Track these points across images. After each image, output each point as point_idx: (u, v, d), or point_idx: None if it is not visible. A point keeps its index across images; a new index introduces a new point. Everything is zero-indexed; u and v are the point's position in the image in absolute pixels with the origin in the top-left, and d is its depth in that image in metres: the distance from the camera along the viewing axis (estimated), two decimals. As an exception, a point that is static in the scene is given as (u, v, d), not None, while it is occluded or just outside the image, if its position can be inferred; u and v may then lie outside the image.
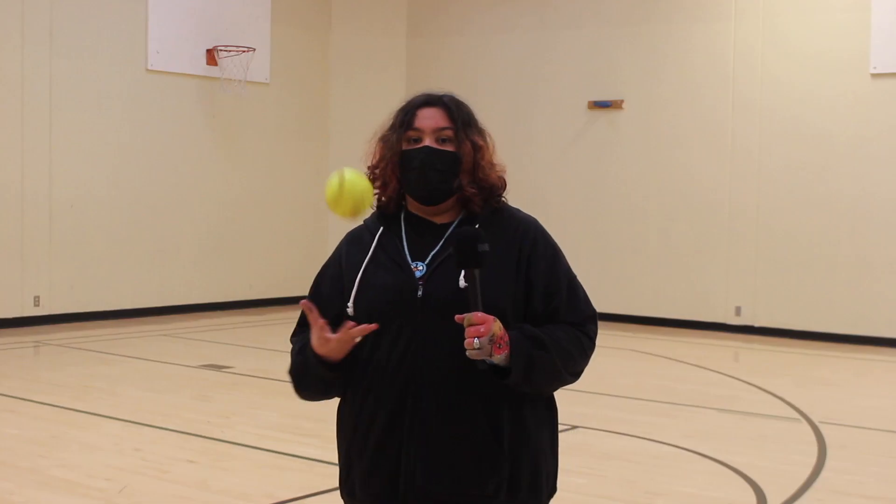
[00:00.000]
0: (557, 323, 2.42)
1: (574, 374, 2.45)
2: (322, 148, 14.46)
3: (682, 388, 8.67)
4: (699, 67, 12.44)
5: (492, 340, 2.25)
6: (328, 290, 2.51)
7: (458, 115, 2.47)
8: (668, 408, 7.87)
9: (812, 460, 6.34)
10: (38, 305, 11.51)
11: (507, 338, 2.29)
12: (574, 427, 6.84)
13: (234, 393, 8.20)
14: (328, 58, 14.51)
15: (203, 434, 6.73)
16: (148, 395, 8.01)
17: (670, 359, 10.18)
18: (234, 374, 9.02)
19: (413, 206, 2.49)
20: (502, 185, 2.50)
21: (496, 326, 2.26)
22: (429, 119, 2.46)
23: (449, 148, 2.44)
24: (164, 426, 6.95)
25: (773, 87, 11.96)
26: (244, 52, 12.93)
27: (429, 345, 2.36)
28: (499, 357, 2.28)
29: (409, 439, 2.35)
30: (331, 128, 14.54)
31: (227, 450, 6.39)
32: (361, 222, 2.57)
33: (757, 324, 12.04)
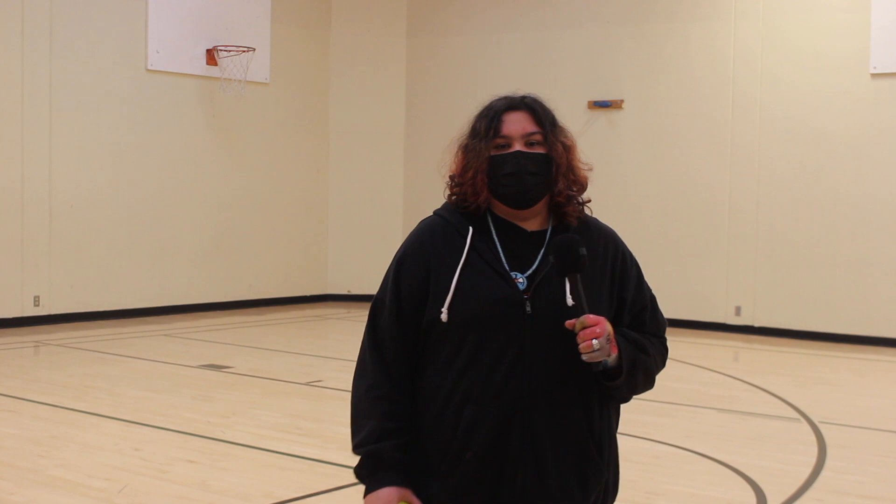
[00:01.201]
0: (642, 334, 2.48)
1: (653, 383, 2.50)
2: (322, 147, 14.46)
3: (682, 388, 8.67)
4: (699, 67, 12.44)
5: (609, 340, 2.26)
6: (411, 289, 2.39)
7: (545, 117, 2.42)
8: (668, 408, 7.87)
9: (812, 460, 6.34)
10: (38, 305, 11.51)
11: (615, 338, 2.32)
12: (574, 427, 6.83)
13: (234, 393, 8.20)
14: (328, 57, 14.51)
15: (203, 434, 6.73)
16: (148, 395, 8.01)
17: (670, 359, 10.13)
18: (234, 374, 9.01)
19: (500, 209, 2.42)
20: (587, 183, 2.48)
21: (609, 326, 2.28)
22: (516, 124, 2.39)
23: (540, 150, 2.39)
24: (164, 426, 6.95)
25: (773, 86, 11.96)
26: (244, 52, 12.93)
27: (538, 363, 2.31)
28: (613, 357, 2.30)
29: (519, 456, 2.31)
30: (331, 127, 14.54)
31: (227, 450, 6.39)
32: (432, 213, 2.48)
33: (757, 324, 12.04)
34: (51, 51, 11.54)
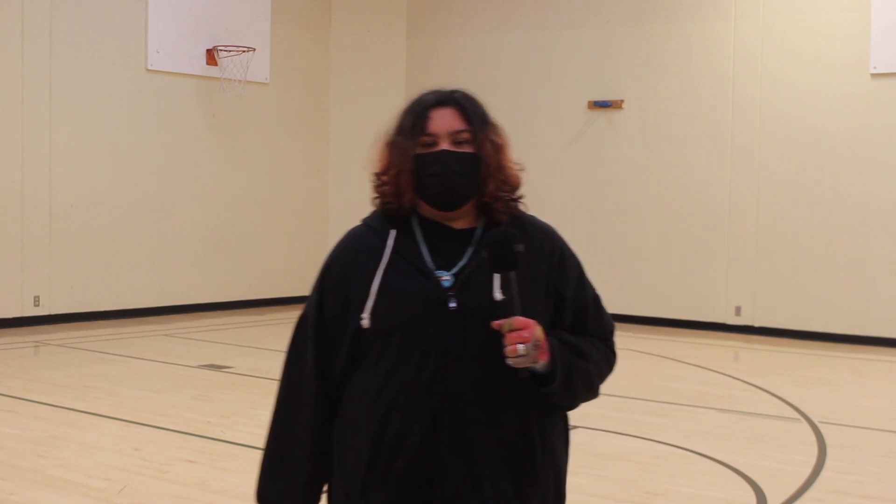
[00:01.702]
0: (584, 336, 2.35)
1: (596, 391, 2.37)
2: (322, 148, 14.46)
3: (682, 388, 8.67)
4: (699, 67, 12.44)
5: (536, 346, 2.14)
6: (335, 303, 2.32)
7: (475, 113, 2.31)
8: (668, 408, 7.87)
9: (812, 460, 6.34)
10: (38, 305, 11.51)
11: (546, 343, 2.18)
12: (574, 427, 6.79)
13: (234, 393, 8.20)
14: (328, 58, 14.51)
15: (203, 434, 6.73)
16: (148, 395, 8.01)
17: (670, 359, 10.18)
18: (234, 374, 9.01)
19: (427, 210, 2.31)
20: (520, 183, 2.37)
21: (539, 331, 2.15)
22: (443, 121, 2.29)
23: (468, 150, 2.28)
24: (164, 426, 6.95)
25: (773, 86, 11.96)
26: (244, 52, 12.94)
27: (465, 362, 2.20)
28: (542, 363, 2.17)
29: (449, 461, 2.19)
30: (331, 128, 14.54)
31: (227, 450, 6.39)
32: (360, 222, 2.40)
33: (757, 324, 12.04)
34: (51, 51, 11.54)
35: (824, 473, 6.05)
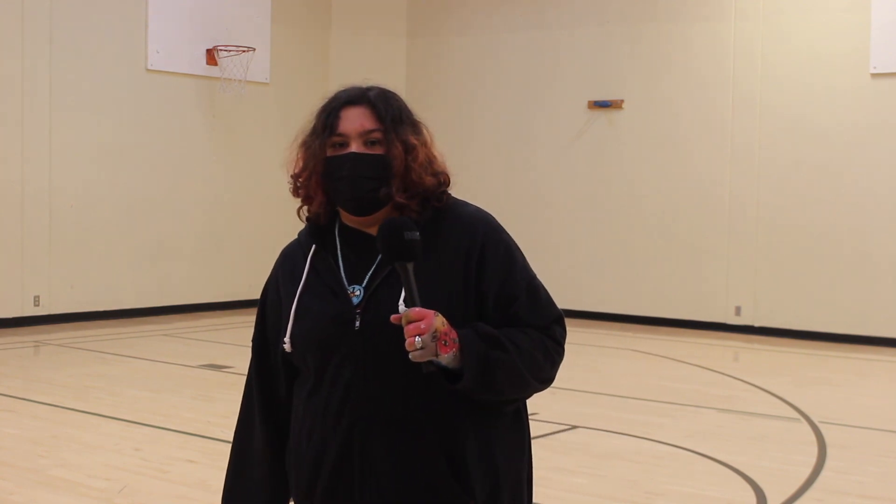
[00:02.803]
0: (517, 328, 2.18)
1: (543, 381, 2.19)
2: (322, 148, 14.45)
3: (682, 388, 8.67)
4: (699, 67, 12.44)
5: (435, 337, 2.00)
6: (270, 325, 2.32)
7: (387, 112, 2.19)
8: (668, 408, 7.87)
9: (812, 460, 6.34)
10: (38, 305, 11.51)
11: (453, 334, 2.04)
12: (574, 427, 6.83)
13: (234, 393, 8.17)
14: (328, 58, 14.51)
15: (203, 434, 6.73)
16: (148, 395, 8.01)
17: (670, 359, 10.18)
18: (234, 374, 9.01)
19: (347, 217, 2.23)
20: (442, 183, 2.21)
21: (438, 321, 2.01)
22: (353, 121, 2.19)
23: (377, 151, 2.16)
24: (164, 426, 6.95)
25: (774, 87, 11.96)
26: (244, 52, 12.94)
27: (373, 381, 2.11)
28: (446, 357, 2.03)
29: (361, 485, 2.13)
30: (331, 128, 14.52)
31: (226, 450, 6.35)
32: (297, 235, 2.33)
33: (757, 324, 12.04)
34: (51, 51, 11.54)
35: (824, 473, 6.05)
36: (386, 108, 2.20)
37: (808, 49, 11.78)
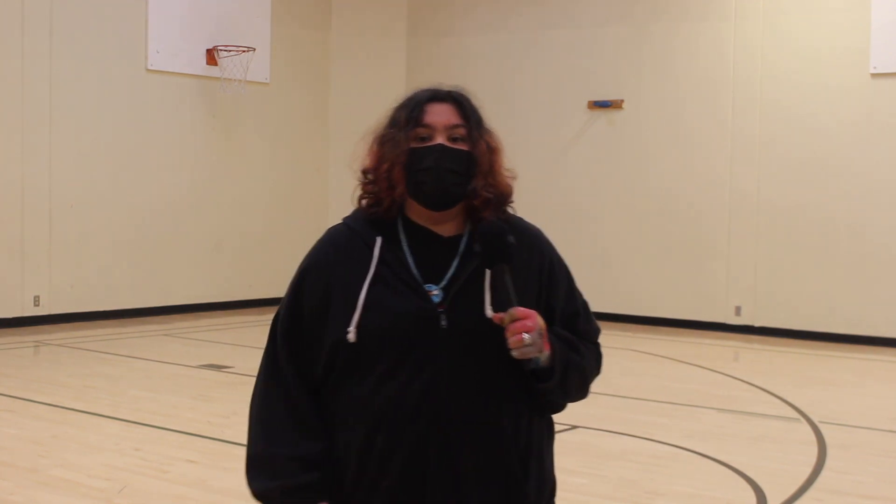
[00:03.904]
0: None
1: (587, 391, 2.32)
2: (322, 148, 14.46)
3: (682, 388, 8.67)
4: (699, 67, 12.44)
5: (541, 334, 2.09)
6: (312, 308, 2.22)
7: (471, 112, 2.24)
8: (668, 408, 7.87)
9: (812, 460, 6.34)
10: (38, 305, 11.51)
11: (547, 335, 2.14)
12: (574, 427, 6.84)
13: (234, 393, 8.19)
14: (328, 58, 14.51)
15: (203, 434, 6.73)
16: (148, 395, 8.01)
17: (670, 359, 10.18)
18: (234, 374, 9.01)
19: (414, 212, 2.23)
20: (511, 191, 2.28)
21: (541, 320, 2.10)
22: (440, 115, 2.20)
23: (463, 146, 2.20)
24: (164, 426, 6.95)
25: (774, 87, 11.96)
26: (244, 51, 12.93)
27: (456, 382, 2.13)
28: (545, 355, 2.12)
29: (436, 482, 2.13)
30: (331, 128, 14.54)
31: (227, 450, 6.39)
32: (340, 221, 2.32)
33: (757, 324, 12.04)
34: (51, 51, 11.54)
35: (824, 473, 6.05)
36: (470, 107, 2.25)
37: (809, 49, 11.78)
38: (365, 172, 2.26)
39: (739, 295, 12.16)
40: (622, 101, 12.89)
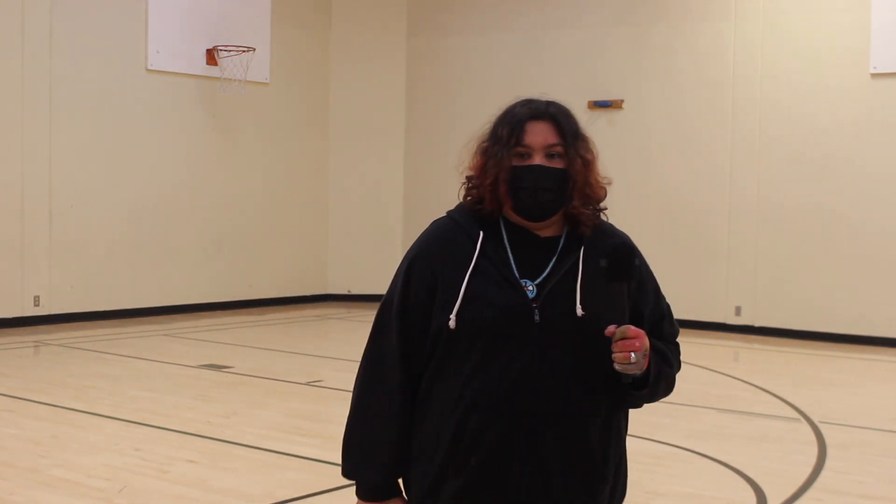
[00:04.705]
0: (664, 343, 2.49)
1: (672, 389, 2.49)
2: (322, 148, 14.46)
3: (682, 388, 8.63)
4: (700, 67, 12.45)
5: (645, 355, 2.26)
6: (418, 294, 2.37)
7: (567, 128, 2.39)
8: (668, 408, 7.87)
9: (812, 460, 6.34)
10: (38, 305, 11.51)
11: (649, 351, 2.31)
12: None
13: (234, 393, 8.20)
14: (328, 58, 14.51)
15: (203, 434, 6.73)
16: (148, 395, 8.01)
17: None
18: (234, 374, 9.01)
19: (514, 215, 2.38)
20: (605, 197, 2.47)
21: (647, 342, 2.27)
22: (539, 135, 2.36)
23: (558, 164, 2.35)
24: (164, 426, 6.95)
25: (774, 87, 11.96)
26: (244, 52, 12.93)
27: (546, 374, 2.28)
28: (643, 370, 2.29)
29: (523, 465, 2.28)
30: (331, 128, 14.54)
31: (227, 450, 6.39)
32: (445, 214, 2.46)
33: (757, 324, 12.04)
34: (51, 51, 11.54)
35: (824, 473, 6.05)
36: (567, 124, 2.41)
37: (809, 49, 11.79)
38: (469, 179, 2.42)
39: (739, 295, 12.16)
40: (622, 101, 12.90)
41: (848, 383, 9.37)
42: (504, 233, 2.37)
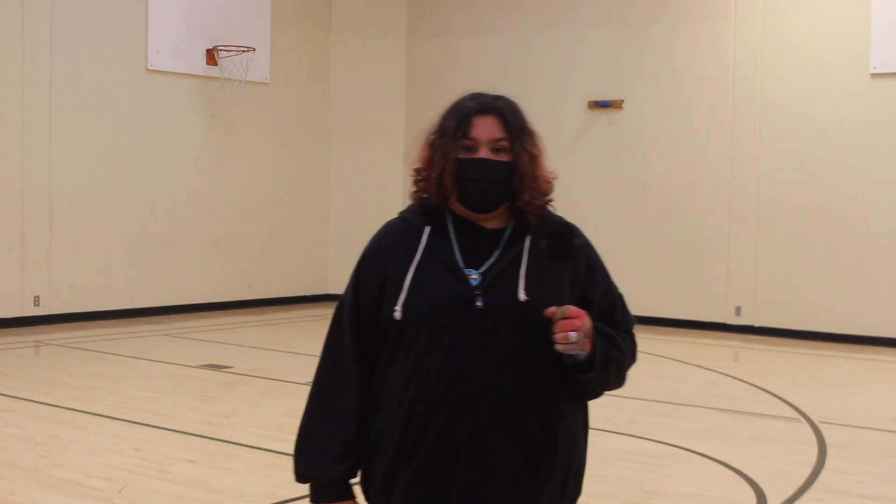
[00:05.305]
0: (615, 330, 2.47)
1: (624, 380, 2.47)
2: (322, 148, 14.46)
3: (682, 388, 8.67)
4: (699, 67, 12.45)
5: (586, 335, 2.25)
6: (369, 292, 2.43)
7: (514, 122, 2.41)
8: (668, 408, 7.87)
9: (812, 460, 6.34)
10: (38, 305, 11.51)
11: (591, 332, 2.30)
12: (574, 427, 6.83)
13: (234, 393, 8.20)
14: (328, 58, 14.51)
15: (203, 434, 6.74)
16: (148, 395, 8.01)
17: (670, 359, 10.18)
18: (234, 374, 9.01)
19: (460, 208, 2.43)
20: (551, 191, 2.48)
21: (588, 321, 2.27)
22: (485, 129, 2.39)
23: (504, 158, 2.39)
24: (164, 426, 6.95)
25: (774, 87, 11.97)
26: (244, 52, 12.94)
27: (488, 359, 2.30)
28: (586, 352, 2.28)
29: (468, 453, 2.30)
30: (331, 128, 14.54)
31: (227, 450, 6.39)
32: (397, 214, 2.52)
33: (757, 324, 12.04)
34: (51, 51, 11.54)
35: (824, 473, 6.06)
36: (514, 118, 2.43)
37: (809, 49, 11.79)
38: (418, 171, 2.47)
39: (739, 295, 12.16)
40: (622, 101, 12.90)
41: (848, 383, 9.37)
42: (450, 225, 2.42)
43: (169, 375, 8.95)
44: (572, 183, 13.21)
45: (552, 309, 2.24)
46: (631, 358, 2.47)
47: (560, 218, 2.49)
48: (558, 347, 2.23)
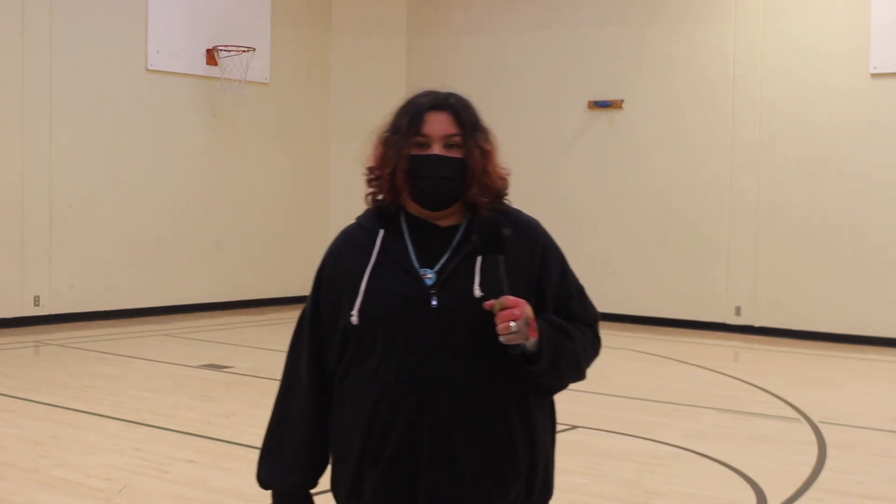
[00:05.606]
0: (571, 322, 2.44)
1: (583, 373, 2.44)
2: (322, 148, 14.46)
3: (682, 388, 8.67)
4: (699, 67, 12.44)
5: (528, 323, 2.23)
6: (328, 300, 2.44)
7: (466, 119, 2.41)
8: (668, 408, 7.87)
9: (812, 460, 6.34)
10: (38, 305, 11.51)
11: (535, 323, 2.27)
12: (574, 427, 6.84)
13: (234, 393, 8.20)
14: (328, 58, 14.51)
15: (203, 434, 6.74)
16: (148, 395, 8.01)
17: (670, 359, 10.18)
18: (234, 374, 9.01)
19: (414, 207, 2.42)
20: (506, 187, 2.46)
21: (529, 310, 2.25)
22: (437, 125, 2.38)
23: (456, 154, 2.38)
24: (164, 426, 6.95)
25: (774, 87, 11.96)
26: (244, 52, 12.94)
27: (445, 357, 2.30)
28: (532, 341, 2.25)
29: (431, 452, 2.30)
30: (331, 128, 14.54)
31: (227, 450, 6.39)
32: (354, 220, 2.52)
33: (757, 324, 12.04)
34: (51, 51, 11.54)
35: (824, 473, 6.06)
36: (466, 115, 2.41)
37: (809, 49, 11.78)
38: (371, 170, 2.48)
39: (739, 295, 12.16)
40: (622, 101, 12.90)
41: (848, 383, 9.37)
42: (405, 225, 2.42)
43: (169, 375, 8.95)
44: (572, 183, 13.22)
45: (490, 302, 2.22)
46: (590, 351, 2.44)
47: (518, 212, 2.47)
48: (501, 339, 2.21)
